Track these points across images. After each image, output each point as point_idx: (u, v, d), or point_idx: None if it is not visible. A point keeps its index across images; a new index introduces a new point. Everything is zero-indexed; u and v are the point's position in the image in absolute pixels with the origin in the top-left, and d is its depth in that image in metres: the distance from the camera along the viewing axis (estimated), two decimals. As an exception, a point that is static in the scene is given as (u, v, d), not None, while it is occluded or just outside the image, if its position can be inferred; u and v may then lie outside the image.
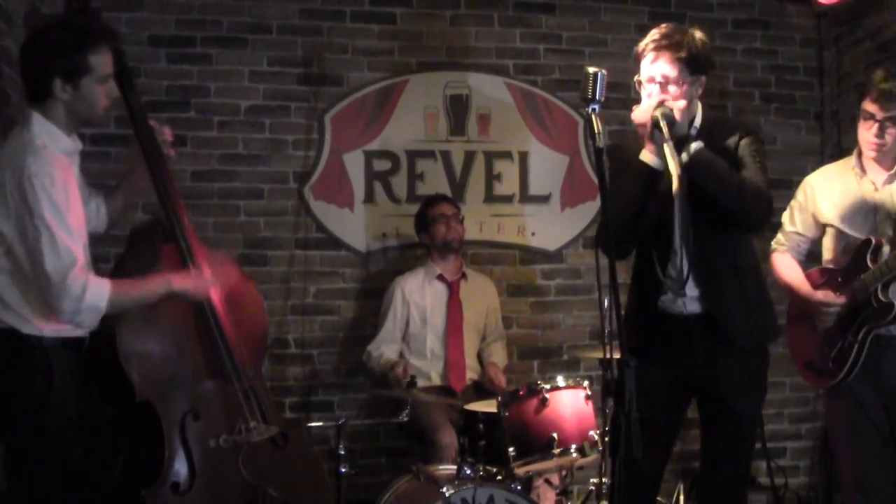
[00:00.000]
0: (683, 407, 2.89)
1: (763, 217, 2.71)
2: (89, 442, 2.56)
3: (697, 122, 2.75)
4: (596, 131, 2.17)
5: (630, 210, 2.69)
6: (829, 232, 3.15)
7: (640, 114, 2.68)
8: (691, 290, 2.74)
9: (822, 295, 3.04)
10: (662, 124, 2.59)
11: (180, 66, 4.22)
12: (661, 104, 2.63)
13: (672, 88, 2.65)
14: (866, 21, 4.47)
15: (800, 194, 3.23)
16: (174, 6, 4.22)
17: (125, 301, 2.54)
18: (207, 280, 2.75)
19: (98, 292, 2.42)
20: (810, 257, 3.29)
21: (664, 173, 2.68)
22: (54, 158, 2.44)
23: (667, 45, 2.65)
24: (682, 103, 2.65)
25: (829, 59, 4.76)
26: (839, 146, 4.67)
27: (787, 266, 3.21)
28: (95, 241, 2.69)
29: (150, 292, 2.61)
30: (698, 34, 2.70)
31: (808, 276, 3.16)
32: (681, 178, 2.67)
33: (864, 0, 4.41)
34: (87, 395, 2.58)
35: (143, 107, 2.93)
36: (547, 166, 4.54)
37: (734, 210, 2.64)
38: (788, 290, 3.20)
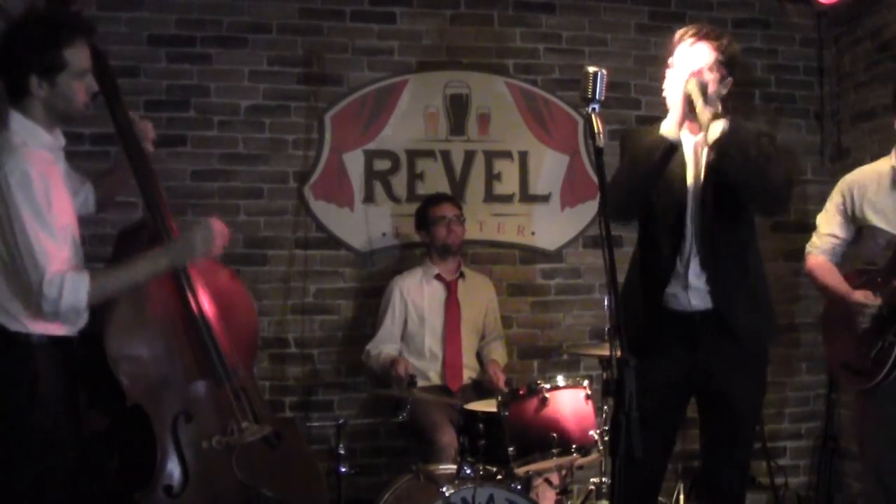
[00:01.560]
0: (684, 405, 2.89)
1: (784, 199, 2.75)
2: (81, 444, 2.53)
3: None
4: (596, 131, 2.16)
5: (639, 179, 2.69)
6: (867, 233, 3.14)
7: (672, 88, 2.68)
8: (697, 283, 2.72)
9: (860, 295, 3.02)
10: (696, 94, 2.60)
11: (180, 66, 4.21)
12: (692, 77, 2.63)
13: (706, 74, 2.67)
14: (866, 21, 4.47)
15: (836, 196, 3.21)
16: (174, 6, 4.21)
17: (110, 290, 2.49)
18: (195, 239, 2.62)
19: (75, 290, 2.36)
20: (845, 259, 3.28)
21: (680, 150, 2.68)
22: (33, 156, 2.38)
23: (707, 34, 2.73)
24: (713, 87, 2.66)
25: (829, 59, 4.76)
26: (839, 146, 4.67)
27: (823, 268, 3.20)
28: (96, 240, 2.66)
29: (137, 277, 2.54)
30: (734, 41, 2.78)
31: (846, 279, 3.14)
32: (697, 163, 2.69)
33: (863, 0, 4.41)
34: (77, 396, 2.54)
35: (123, 103, 2.87)
36: (547, 166, 4.54)
37: (758, 189, 2.61)
38: (825, 292, 3.20)
